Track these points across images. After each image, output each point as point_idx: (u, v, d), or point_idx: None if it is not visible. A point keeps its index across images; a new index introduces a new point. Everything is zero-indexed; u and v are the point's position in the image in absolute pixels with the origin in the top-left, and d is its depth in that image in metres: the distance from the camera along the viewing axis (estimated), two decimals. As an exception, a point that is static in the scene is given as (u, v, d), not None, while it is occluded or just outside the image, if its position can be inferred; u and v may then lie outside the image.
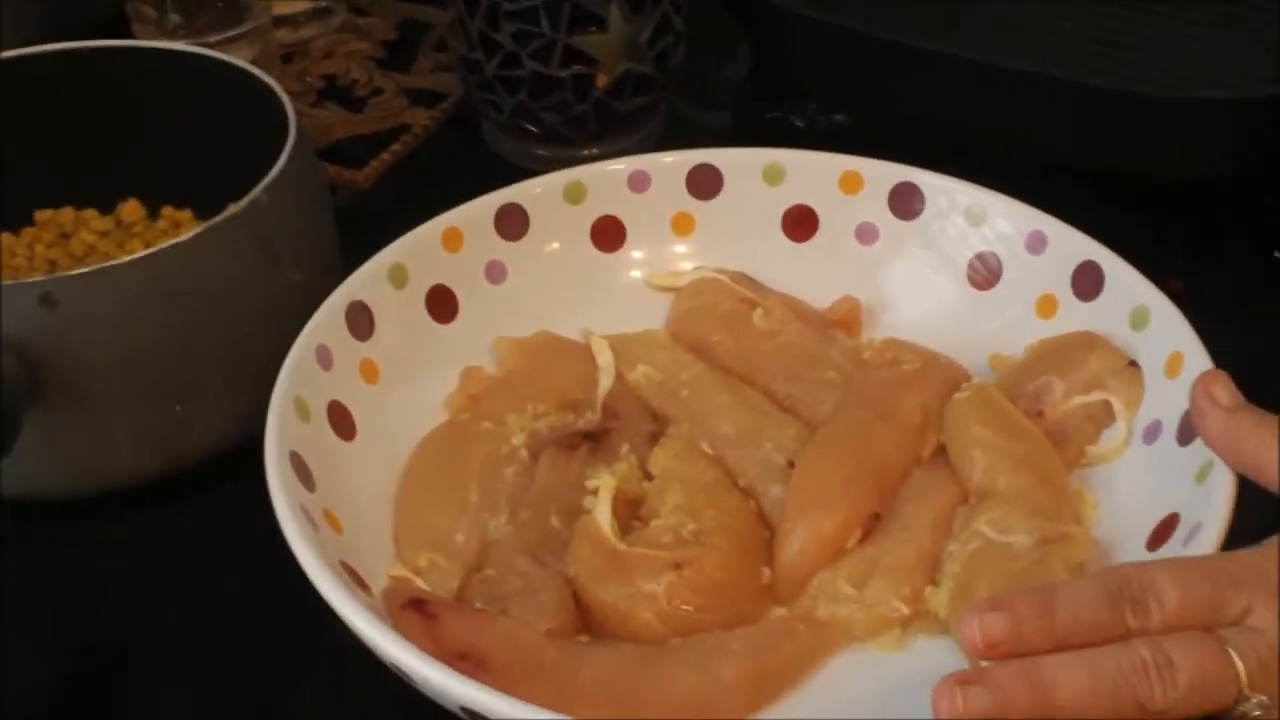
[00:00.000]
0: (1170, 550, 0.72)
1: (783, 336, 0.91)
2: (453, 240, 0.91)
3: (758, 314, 0.91)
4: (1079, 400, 0.84)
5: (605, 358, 0.90)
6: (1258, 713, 0.61)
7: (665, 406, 0.88)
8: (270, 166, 0.86)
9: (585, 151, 1.13)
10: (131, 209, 1.01)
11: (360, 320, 0.85)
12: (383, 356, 0.86)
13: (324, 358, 0.82)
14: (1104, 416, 0.83)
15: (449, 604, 0.74)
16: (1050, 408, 0.84)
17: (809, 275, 0.95)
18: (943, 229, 0.93)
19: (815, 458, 0.82)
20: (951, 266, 0.93)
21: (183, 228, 0.99)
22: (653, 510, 0.80)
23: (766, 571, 0.78)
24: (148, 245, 0.82)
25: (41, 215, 1.00)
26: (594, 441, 0.85)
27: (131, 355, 0.82)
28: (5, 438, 0.78)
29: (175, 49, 0.99)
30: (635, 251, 0.96)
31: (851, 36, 1.10)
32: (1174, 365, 0.80)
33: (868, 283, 0.94)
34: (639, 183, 0.95)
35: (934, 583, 0.77)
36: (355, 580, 0.73)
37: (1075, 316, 0.88)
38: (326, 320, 0.83)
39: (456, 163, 1.20)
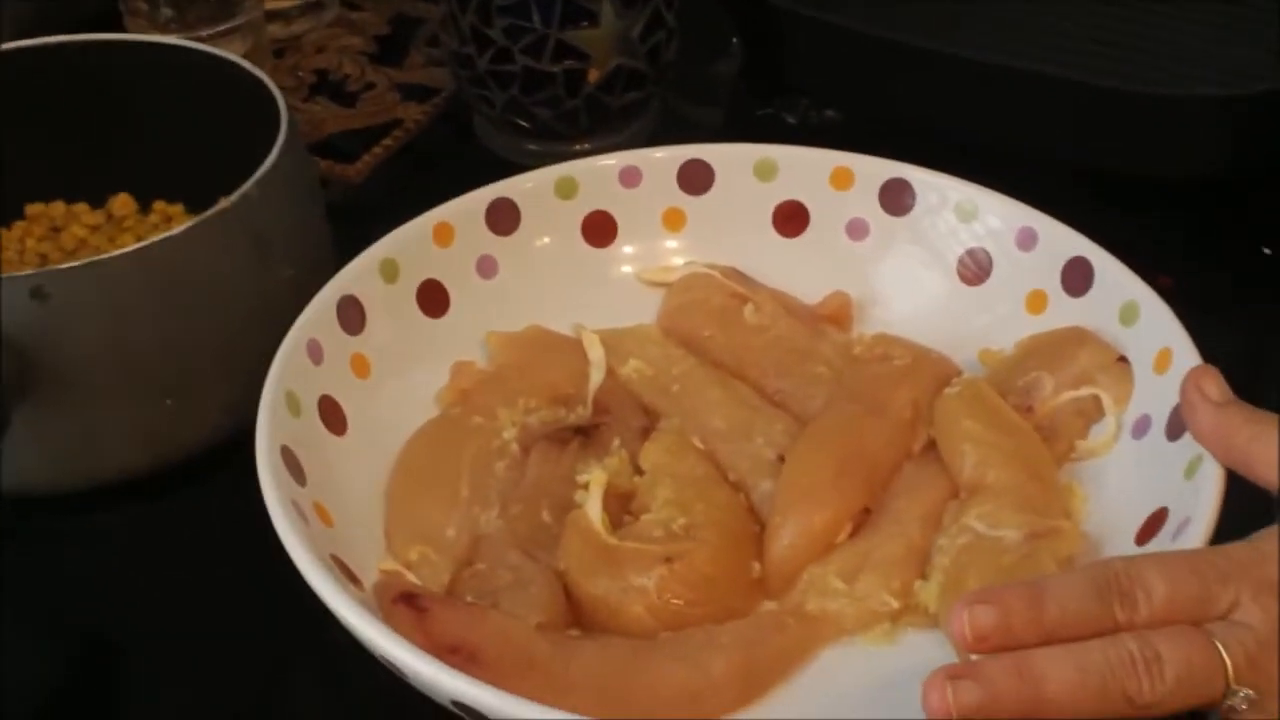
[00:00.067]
0: (1159, 544, 0.73)
1: (773, 331, 0.91)
2: (444, 235, 0.91)
3: (749, 309, 0.92)
4: (1069, 395, 0.84)
5: (596, 352, 0.90)
6: (1244, 707, 0.62)
7: (656, 401, 0.88)
8: (262, 161, 0.86)
9: (577, 147, 1.13)
10: (123, 203, 1.01)
11: (351, 315, 0.85)
12: (374, 351, 0.86)
13: (315, 352, 0.82)
14: (1093, 411, 0.84)
15: (440, 598, 0.74)
16: (1040, 403, 0.84)
17: (800, 270, 0.95)
18: (933, 225, 0.93)
19: (806, 452, 0.82)
20: (942, 262, 0.93)
21: (174, 222, 0.99)
22: (643, 505, 0.80)
23: (757, 566, 0.78)
24: (139, 239, 0.82)
25: (32, 209, 1.00)
26: (585, 436, 0.85)
27: (122, 349, 0.82)
28: (-4, 431, 0.78)
29: (167, 43, 0.99)
30: (626, 246, 0.96)
31: (852, 36, 1.10)
32: (1163, 361, 0.80)
33: (858, 278, 0.94)
34: (630, 178, 0.96)
35: (924, 577, 0.77)
36: (346, 574, 0.73)
37: (1065, 312, 0.88)
38: (318, 315, 0.83)
39: (448, 158, 1.20)
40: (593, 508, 0.79)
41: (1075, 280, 0.87)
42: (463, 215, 0.92)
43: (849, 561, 0.78)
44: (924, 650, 0.74)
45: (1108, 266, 0.86)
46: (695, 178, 0.96)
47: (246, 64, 0.94)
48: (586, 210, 0.95)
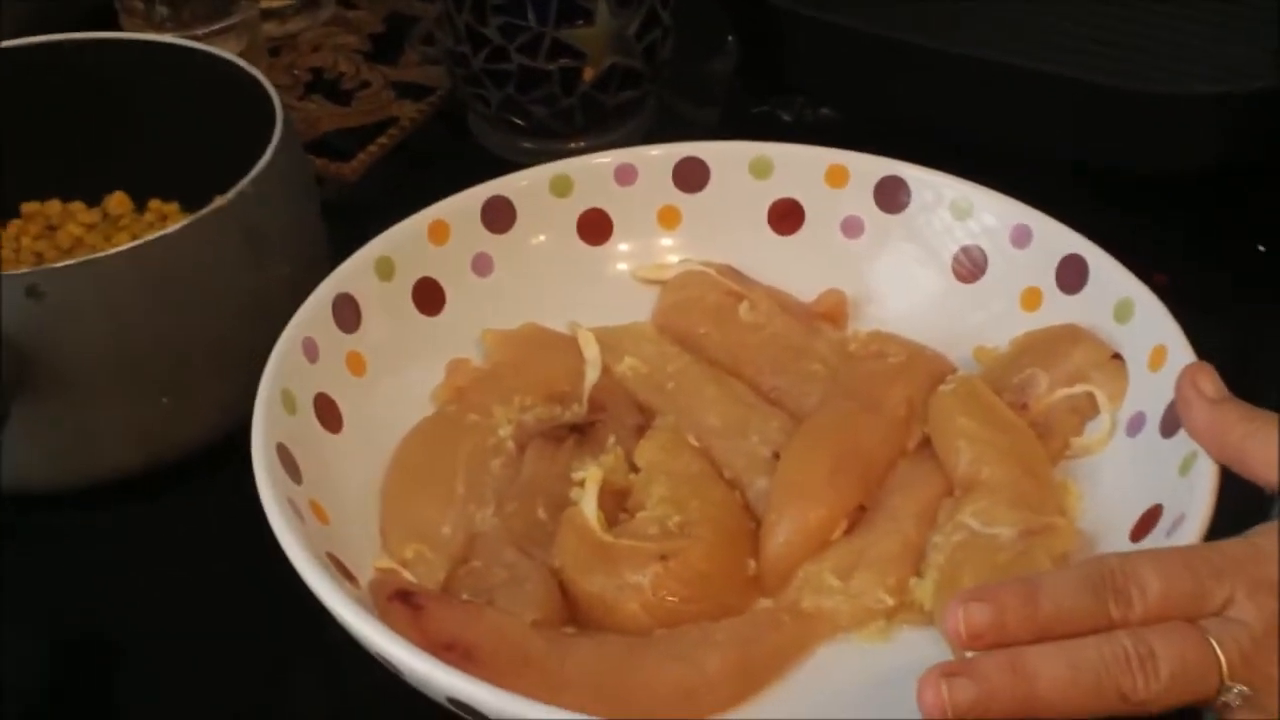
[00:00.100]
0: (1154, 541, 0.73)
1: (769, 329, 0.91)
2: (439, 233, 0.91)
3: (744, 307, 0.92)
4: (1063, 392, 0.84)
5: (592, 350, 0.90)
6: (1238, 704, 0.62)
7: (652, 399, 0.88)
8: (257, 159, 0.86)
9: (572, 145, 1.13)
10: (118, 201, 1.01)
11: (347, 313, 0.85)
12: (369, 349, 0.86)
13: (310, 350, 0.82)
14: (1088, 409, 0.84)
15: (435, 595, 0.74)
16: (1035, 400, 0.84)
17: (795, 268, 0.95)
18: (928, 222, 0.94)
19: (801, 450, 0.82)
20: (937, 260, 0.93)
21: (170, 220, 0.99)
22: (639, 502, 0.81)
23: (752, 563, 0.79)
24: (134, 238, 0.82)
25: (28, 207, 1.00)
26: (580, 434, 0.85)
27: (118, 347, 0.82)
28: (-8, 430, 0.78)
29: (162, 41, 0.99)
30: (622, 244, 0.97)
31: (851, 35, 1.10)
32: (1158, 358, 0.80)
33: (853, 276, 0.95)
34: (626, 176, 0.96)
35: (919, 574, 0.77)
36: (342, 572, 0.73)
37: (1060, 309, 0.88)
38: (313, 313, 0.83)
39: (443, 156, 1.20)
40: (588, 505, 0.79)
41: (1070, 277, 0.87)
42: (458, 213, 0.92)
43: (844, 559, 0.78)
44: (919, 647, 0.74)
45: (1102, 264, 0.86)
46: (690, 175, 0.96)
47: (242, 62, 0.94)
48: (582, 208, 0.95)
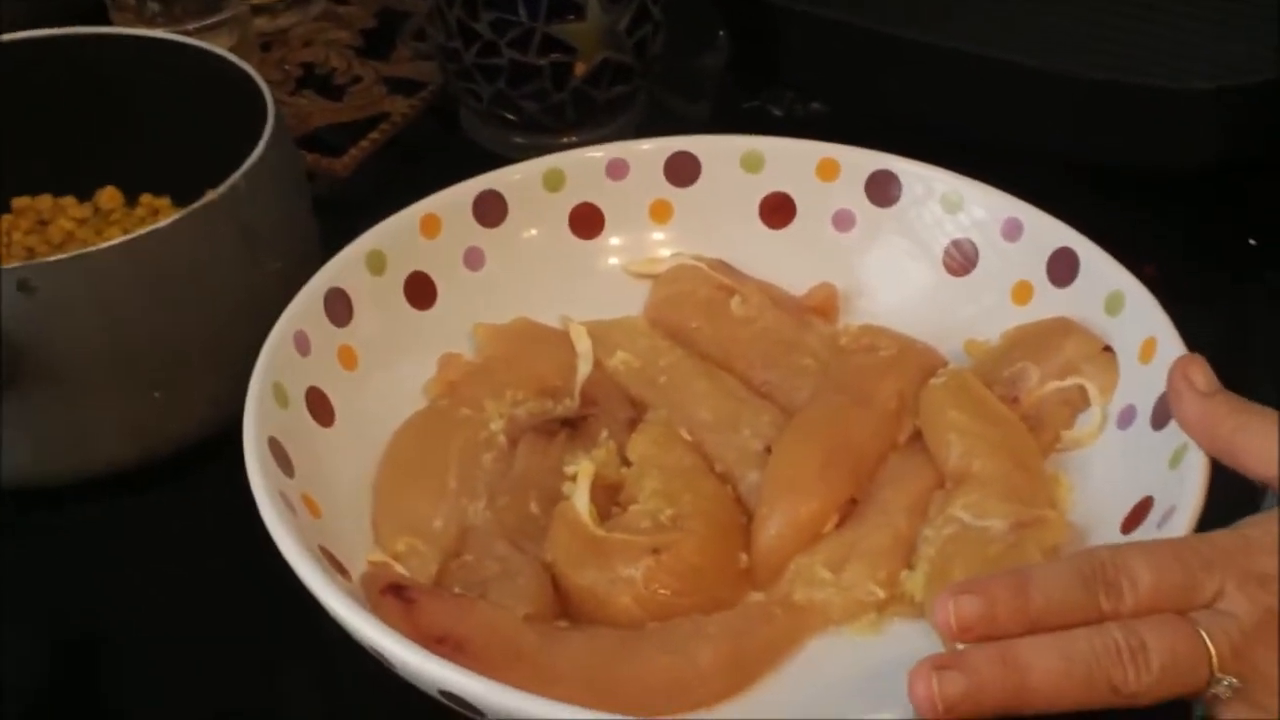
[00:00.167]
0: (1144, 533, 0.73)
1: (760, 323, 0.91)
2: (431, 227, 0.91)
3: (735, 301, 0.92)
4: (1054, 385, 0.84)
5: (584, 344, 0.90)
6: (1228, 696, 0.62)
7: (643, 393, 0.88)
8: (249, 154, 0.86)
9: (563, 139, 1.13)
10: (110, 196, 1.01)
11: (339, 307, 0.85)
12: (361, 343, 0.86)
13: (302, 344, 0.82)
14: (1079, 401, 0.84)
15: (427, 589, 0.75)
16: (1026, 393, 0.85)
17: (786, 262, 0.95)
18: (919, 216, 0.94)
19: (792, 443, 0.82)
20: (928, 253, 0.93)
21: (161, 215, 0.99)
22: (631, 496, 0.81)
23: (744, 556, 0.79)
24: (126, 232, 0.82)
25: (19, 202, 1.00)
26: (572, 428, 0.85)
27: (110, 342, 0.82)
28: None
29: (154, 36, 0.99)
30: (613, 238, 0.97)
31: (844, 30, 1.10)
32: (1148, 350, 0.81)
33: (845, 269, 0.95)
34: (617, 170, 0.96)
35: (910, 567, 0.77)
36: (334, 565, 0.73)
37: (1050, 302, 0.88)
38: (305, 306, 0.83)
39: (435, 151, 1.20)
40: (580, 499, 0.79)
41: (1061, 271, 0.87)
42: (450, 207, 0.92)
43: (835, 552, 0.78)
44: (910, 640, 0.74)
45: (1093, 257, 0.86)
46: (682, 170, 0.96)
47: (233, 57, 0.94)
48: (574, 202, 0.95)
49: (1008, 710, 0.61)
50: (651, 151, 0.96)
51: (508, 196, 0.93)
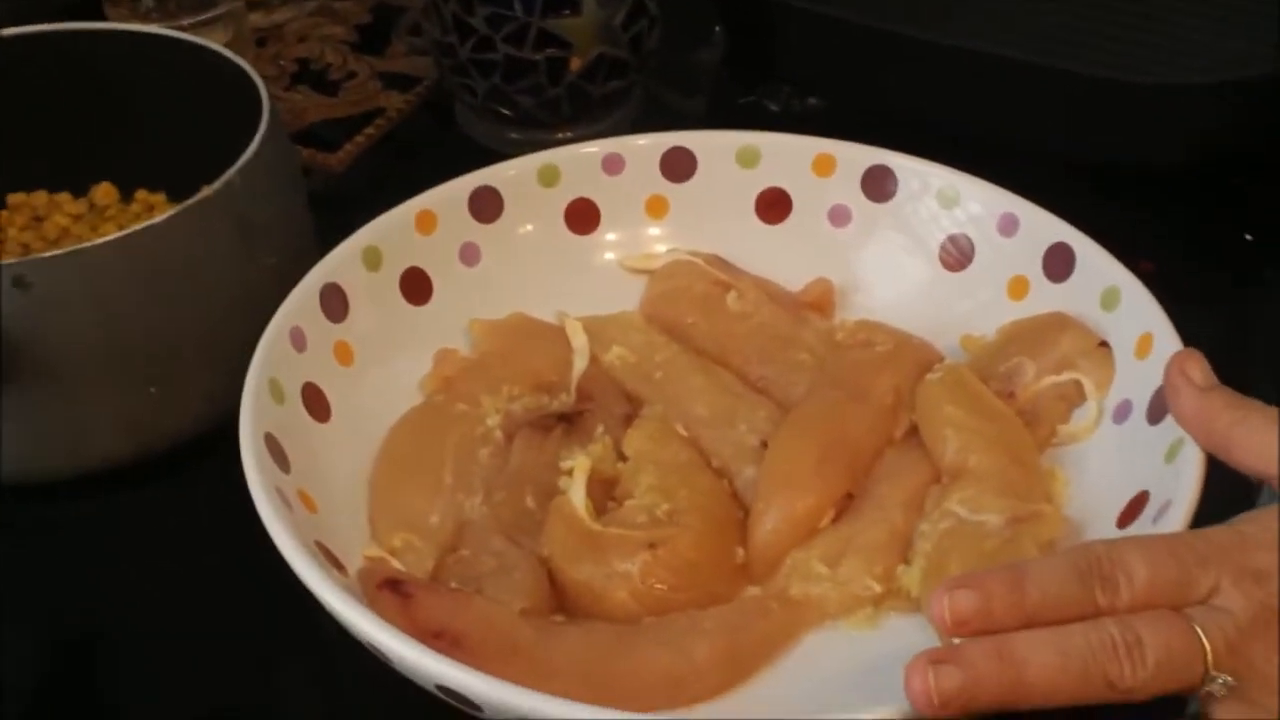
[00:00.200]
0: (1140, 528, 0.73)
1: (756, 318, 0.91)
2: (427, 223, 0.91)
3: (731, 296, 0.92)
4: (1050, 380, 0.84)
5: (580, 340, 0.90)
6: (1223, 694, 0.62)
7: (639, 388, 0.88)
8: (244, 150, 0.86)
9: (559, 135, 1.14)
10: (105, 192, 1.01)
11: (334, 302, 0.85)
12: (357, 338, 0.86)
13: (298, 340, 0.82)
14: (1075, 396, 0.84)
15: (424, 584, 0.75)
16: (1022, 388, 0.85)
17: (782, 257, 0.96)
18: (915, 211, 0.94)
19: (788, 438, 0.82)
20: (924, 248, 0.93)
21: (156, 210, 0.99)
22: (627, 491, 0.81)
23: (740, 551, 0.79)
24: (121, 228, 0.82)
25: (14, 198, 1.00)
26: (568, 423, 0.85)
27: (106, 337, 0.82)
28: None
29: (149, 32, 0.99)
30: (609, 234, 0.97)
31: (843, 26, 1.10)
32: (1144, 346, 0.81)
33: (841, 265, 0.95)
34: (613, 165, 0.96)
35: (906, 561, 0.77)
36: (331, 560, 0.73)
37: (1046, 298, 0.88)
38: (301, 302, 0.83)
39: (430, 146, 1.20)
40: (576, 494, 0.79)
41: (1057, 266, 0.87)
42: (445, 203, 0.92)
43: (832, 546, 0.78)
44: (906, 635, 0.74)
45: (1089, 252, 0.86)
46: (678, 165, 0.96)
47: (228, 53, 0.94)
48: (569, 198, 0.95)
49: (1003, 705, 0.61)
50: (647, 147, 0.96)
51: (503, 192, 0.93)
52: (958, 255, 0.92)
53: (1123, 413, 0.81)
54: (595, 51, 1.10)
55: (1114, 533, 0.74)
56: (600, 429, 0.85)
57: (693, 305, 0.92)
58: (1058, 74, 1.05)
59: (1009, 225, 0.90)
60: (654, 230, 0.97)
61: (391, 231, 0.89)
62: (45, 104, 0.98)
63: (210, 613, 0.83)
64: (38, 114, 0.98)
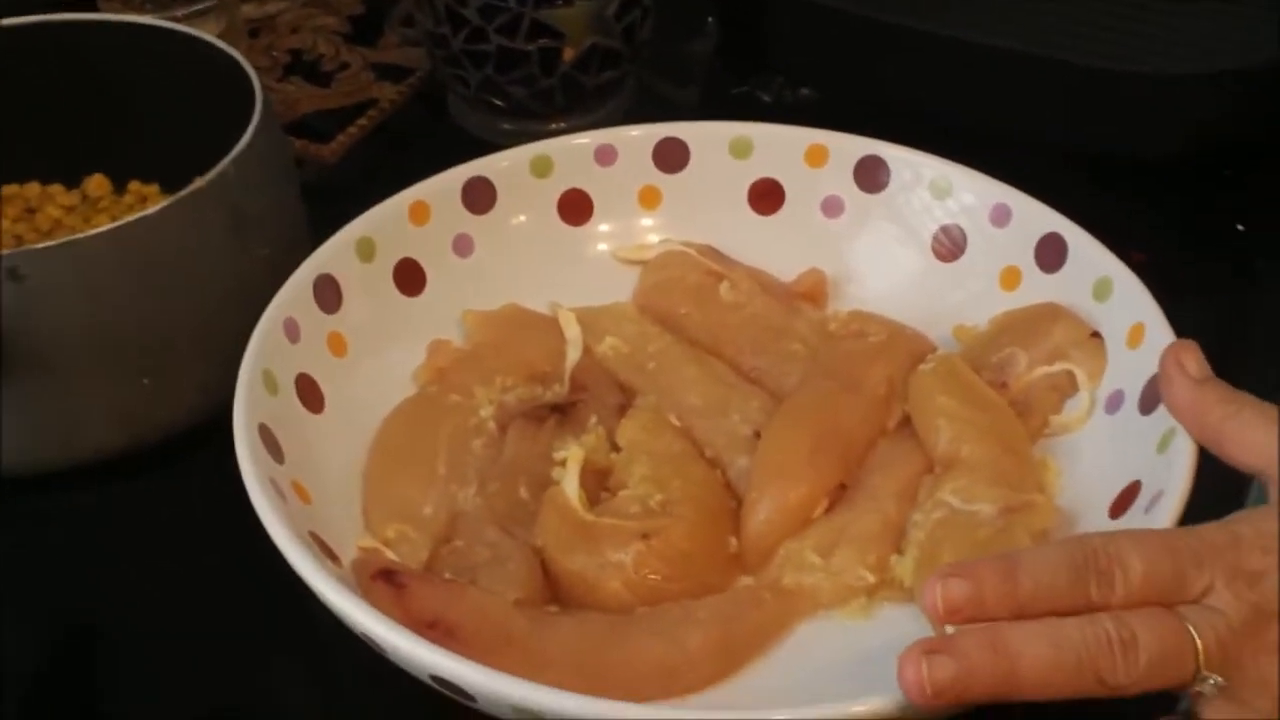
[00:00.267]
0: (1132, 518, 0.73)
1: (749, 309, 0.91)
2: (420, 214, 0.91)
3: (724, 287, 0.92)
4: (1043, 371, 0.84)
5: (573, 330, 0.91)
6: (1213, 694, 0.62)
7: (633, 379, 0.88)
8: (237, 141, 0.86)
9: (552, 125, 1.14)
10: (98, 183, 1.01)
11: (328, 293, 0.85)
12: (350, 329, 0.86)
13: (292, 331, 0.82)
14: (1067, 386, 0.84)
15: (418, 574, 0.75)
16: (1014, 378, 0.85)
17: (775, 248, 0.96)
18: (908, 202, 0.94)
19: (781, 429, 0.82)
20: (916, 239, 0.93)
21: (149, 202, 0.99)
22: (620, 481, 0.81)
23: (733, 541, 0.79)
24: (114, 220, 0.82)
25: (7, 190, 1.00)
26: (562, 414, 0.85)
27: (99, 329, 0.82)
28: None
29: (141, 23, 0.99)
30: (602, 225, 0.97)
31: (839, 17, 1.10)
32: (1136, 336, 0.81)
33: (833, 255, 0.95)
34: (606, 156, 0.96)
35: (899, 551, 0.77)
36: (325, 551, 0.73)
37: (1039, 288, 0.88)
38: (294, 293, 0.83)
39: (423, 137, 1.20)
40: (570, 484, 0.79)
41: (1049, 256, 0.88)
42: (439, 194, 0.92)
43: (825, 537, 0.78)
44: (900, 625, 0.74)
45: (1081, 242, 0.86)
46: (671, 156, 0.96)
47: (221, 44, 0.94)
48: (562, 188, 0.96)
49: (996, 696, 0.61)
50: (640, 137, 0.96)
51: (496, 183, 0.93)
52: (950, 246, 0.92)
53: (1115, 403, 0.81)
54: (588, 42, 1.10)
55: (1106, 522, 0.74)
56: (594, 419, 0.85)
57: (686, 296, 0.92)
58: (1054, 64, 1.05)
59: (1001, 216, 0.90)
60: (647, 221, 0.97)
61: (385, 222, 0.89)
62: (38, 95, 0.98)
63: (204, 604, 0.83)
64: (30, 105, 0.98)
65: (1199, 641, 0.61)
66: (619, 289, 0.95)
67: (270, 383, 0.79)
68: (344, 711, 0.80)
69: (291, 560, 0.68)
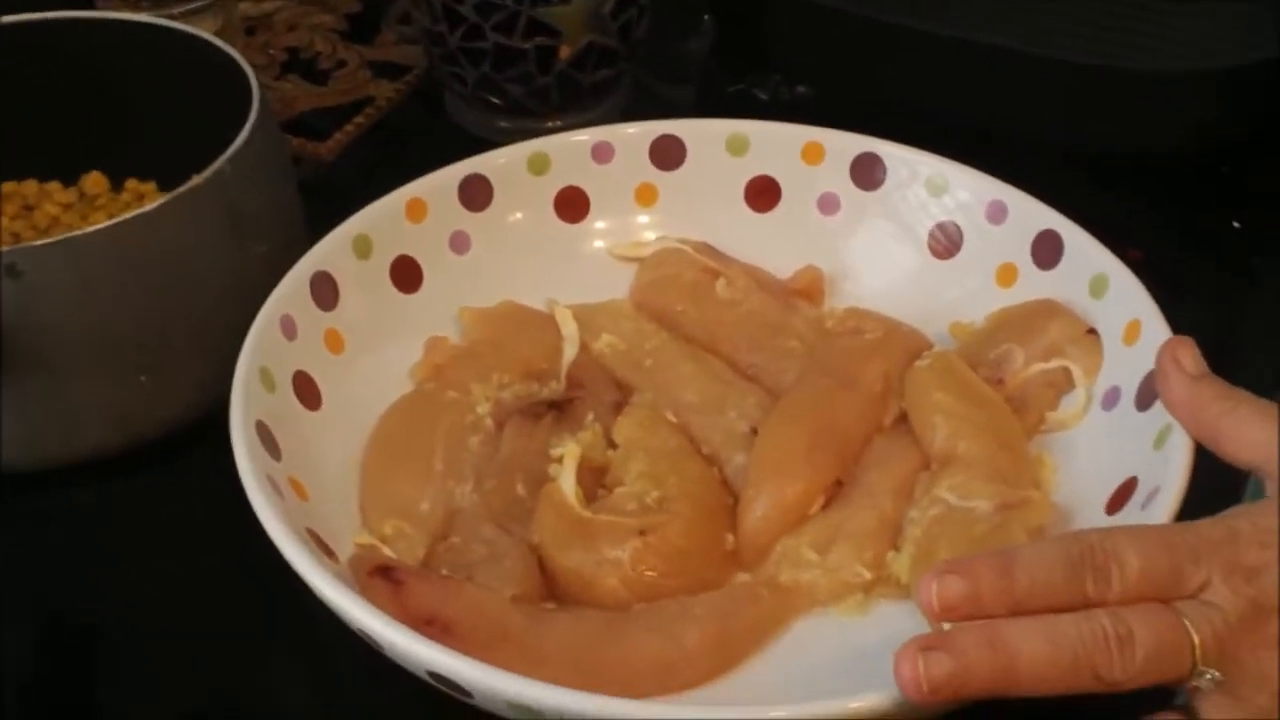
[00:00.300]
0: (1129, 514, 0.73)
1: (745, 306, 0.91)
2: (416, 211, 0.91)
3: (721, 284, 0.92)
4: (1039, 367, 0.84)
5: (570, 327, 0.91)
6: (1210, 689, 0.62)
7: (629, 376, 0.89)
8: (234, 139, 0.86)
9: (548, 123, 1.14)
10: (95, 181, 1.01)
11: (325, 290, 0.85)
12: (347, 326, 0.86)
13: (289, 328, 0.82)
14: (1064, 383, 0.84)
15: (415, 571, 0.75)
16: (1011, 375, 0.85)
17: (772, 245, 0.96)
18: (904, 199, 0.94)
19: (778, 425, 0.82)
20: (913, 236, 0.94)
21: (147, 199, 0.99)
22: (617, 478, 0.81)
23: (730, 538, 0.79)
24: (111, 217, 0.82)
25: (5, 188, 1.00)
26: (559, 410, 0.85)
27: (96, 326, 0.82)
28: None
29: (139, 21, 0.99)
30: (599, 222, 0.97)
31: (838, 16, 1.10)
32: (1132, 332, 0.81)
33: (830, 252, 0.95)
34: (602, 153, 0.96)
35: (896, 548, 0.77)
36: (322, 548, 0.73)
37: (1035, 285, 0.88)
38: (291, 290, 0.83)
39: (420, 135, 1.20)
40: (566, 481, 0.79)
41: (1045, 253, 0.88)
42: (435, 191, 0.92)
43: (822, 533, 0.78)
44: (896, 621, 0.74)
45: (1077, 239, 0.86)
46: (667, 153, 0.96)
47: (218, 42, 0.94)
48: (559, 186, 0.96)
49: (992, 692, 0.61)
50: (636, 135, 0.96)
51: (493, 180, 0.94)
52: (946, 243, 0.92)
53: (1111, 399, 0.81)
54: (584, 40, 1.10)
55: (1102, 519, 0.75)
56: (590, 416, 0.85)
57: (682, 293, 0.92)
58: (1053, 63, 1.05)
59: (997, 213, 0.90)
60: (643, 218, 0.97)
61: (381, 220, 0.89)
62: (35, 93, 0.98)
63: (201, 600, 0.82)
64: (27, 103, 0.98)
65: (1196, 637, 0.61)
66: (616, 286, 0.95)
67: (267, 380, 0.79)
68: (342, 708, 0.80)
69: (289, 557, 0.68)
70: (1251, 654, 0.62)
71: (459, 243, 0.93)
